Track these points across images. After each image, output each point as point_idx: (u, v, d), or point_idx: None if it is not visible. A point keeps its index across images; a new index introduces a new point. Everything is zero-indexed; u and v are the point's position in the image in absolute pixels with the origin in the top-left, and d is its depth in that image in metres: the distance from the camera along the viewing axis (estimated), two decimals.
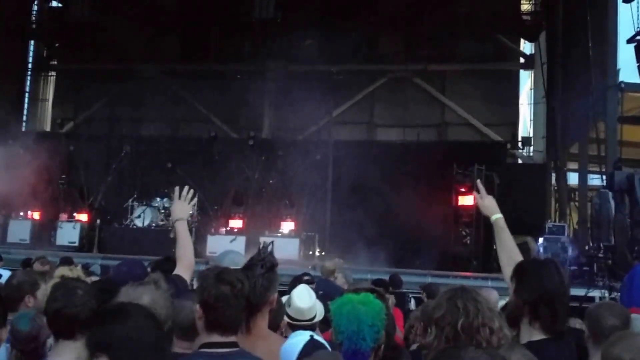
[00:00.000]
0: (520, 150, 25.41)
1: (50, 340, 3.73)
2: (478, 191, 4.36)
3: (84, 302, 3.39)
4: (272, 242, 4.03)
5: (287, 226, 19.82)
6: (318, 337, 3.92)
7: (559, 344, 3.38)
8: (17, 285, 4.80)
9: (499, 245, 4.08)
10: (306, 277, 8.42)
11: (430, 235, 18.59)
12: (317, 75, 23.75)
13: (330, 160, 21.41)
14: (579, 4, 18.46)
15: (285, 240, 18.51)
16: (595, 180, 20.07)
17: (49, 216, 20.86)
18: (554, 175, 23.25)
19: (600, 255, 14.38)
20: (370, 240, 17.62)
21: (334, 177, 21.20)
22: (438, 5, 24.17)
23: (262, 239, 18.01)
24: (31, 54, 29.38)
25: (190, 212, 4.88)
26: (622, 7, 15.30)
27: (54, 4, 29.46)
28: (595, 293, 12.70)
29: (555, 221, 20.25)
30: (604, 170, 16.65)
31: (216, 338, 3.21)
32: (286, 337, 4.14)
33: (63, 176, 21.39)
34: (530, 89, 26.20)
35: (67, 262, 10.19)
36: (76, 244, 19.51)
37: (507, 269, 3.71)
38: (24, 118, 28.74)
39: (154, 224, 20.26)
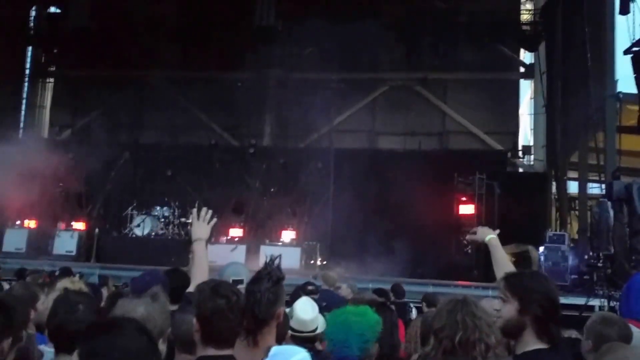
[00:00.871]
0: (520, 159, 25.69)
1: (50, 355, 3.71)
2: (474, 233, 4.49)
3: (85, 317, 3.41)
4: (279, 256, 3.96)
5: (289, 235, 19.94)
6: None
7: (555, 353, 3.43)
8: (16, 299, 4.69)
9: (495, 263, 4.18)
10: (310, 287, 8.65)
11: (431, 244, 18.77)
12: (318, 83, 24.02)
13: (331, 169, 21.51)
14: (577, 15, 18.76)
15: (287, 249, 18.57)
16: (595, 189, 20.28)
17: (46, 225, 20.71)
18: (554, 184, 23.54)
19: (600, 264, 14.54)
20: (372, 249, 17.79)
21: (335, 186, 21.29)
22: (439, 14, 24.56)
23: (263, 248, 18.26)
24: (29, 60, 29.45)
25: (209, 233, 5.06)
26: (619, 19, 15.59)
27: (53, 9, 29.55)
28: (595, 302, 12.95)
29: (555, 230, 20.44)
30: (603, 179, 16.89)
31: (212, 351, 3.24)
32: None
33: (61, 184, 21.20)
34: (531, 98, 26.48)
35: (66, 272, 10.36)
36: (73, 253, 19.45)
37: None
38: (21, 124, 28.77)
39: (153, 233, 20.33)
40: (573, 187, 22.92)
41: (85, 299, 3.70)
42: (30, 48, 29.48)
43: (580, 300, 13.16)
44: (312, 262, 19.61)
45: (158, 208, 20.87)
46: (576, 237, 19.85)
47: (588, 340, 4.33)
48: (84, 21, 24.91)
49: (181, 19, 26.40)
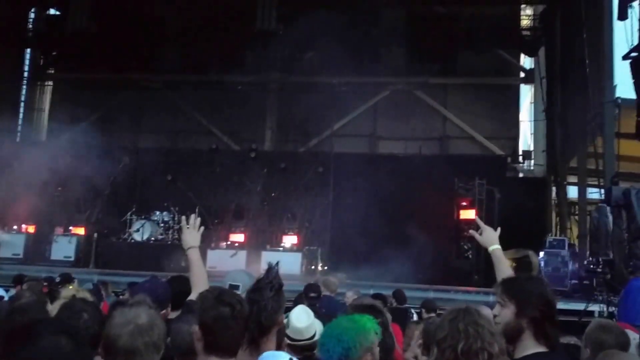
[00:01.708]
0: (520, 164, 25.82)
1: None
2: (478, 227, 4.52)
3: (87, 327, 3.46)
4: (277, 263, 3.96)
5: (290, 240, 19.97)
6: None
7: (555, 357, 3.48)
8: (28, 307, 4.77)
9: (498, 274, 4.15)
10: (312, 294, 8.79)
11: (432, 249, 18.76)
12: (319, 87, 24.16)
13: (332, 173, 21.58)
14: (576, 20, 18.93)
15: (288, 254, 18.69)
16: (594, 194, 20.40)
17: (44, 230, 20.63)
18: (554, 189, 23.70)
19: (599, 269, 14.67)
20: (372, 254, 17.88)
21: (336, 191, 21.36)
22: (439, 19, 24.76)
23: (263, 254, 18.31)
24: (27, 62, 29.37)
25: (200, 239, 5.16)
26: (618, 24, 15.72)
27: (52, 12, 29.42)
28: (594, 307, 13.16)
29: (555, 235, 20.63)
30: (602, 184, 17.05)
31: None
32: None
33: (59, 188, 21.14)
34: (531, 103, 26.64)
35: (67, 279, 10.43)
36: (72, 259, 19.36)
37: None
38: (19, 128, 28.64)
39: (153, 238, 20.35)
40: (573, 192, 23.02)
41: (90, 308, 3.76)
42: (28, 50, 29.38)
43: (579, 306, 13.35)
44: (312, 267, 19.61)
45: (158, 213, 20.87)
46: (576, 242, 20.01)
47: (586, 348, 4.43)
48: (83, 24, 24.90)
49: (181, 22, 26.48)
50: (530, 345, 3.40)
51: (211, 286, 3.84)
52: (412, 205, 19.82)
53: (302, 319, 4.61)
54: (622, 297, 11.64)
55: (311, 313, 4.74)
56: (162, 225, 20.72)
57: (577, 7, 18.35)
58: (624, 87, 16.21)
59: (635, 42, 14.33)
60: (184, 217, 5.17)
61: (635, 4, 14.37)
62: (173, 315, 4.79)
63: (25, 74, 29.28)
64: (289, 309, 4.94)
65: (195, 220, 5.07)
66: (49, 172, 20.07)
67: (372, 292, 11.53)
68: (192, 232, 5.00)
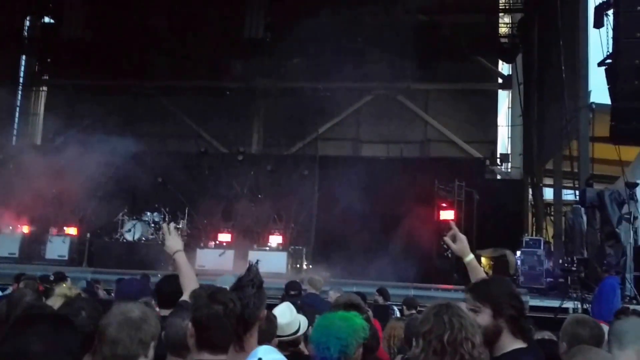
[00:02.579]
0: (498, 167, 25.90)
1: None
2: (451, 232, 4.33)
3: (84, 325, 3.41)
4: (257, 261, 4.00)
5: (275, 240, 19.91)
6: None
7: (532, 353, 3.48)
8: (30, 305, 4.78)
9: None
10: (292, 292, 8.74)
11: (413, 248, 18.76)
12: (304, 92, 24.15)
13: (317, 176, 21.61)
14: (553, 28, 18.96)
15: (274, 254, 18.62)
16: (569, 195, 20.45)
17: (39, 230, 20.59)
18: (530, 190, 23.76)
19: (574, 268, 14.70)
20: (355, 254, 17.87)
21: (320, 192, 21.39)
22: (421, 27, 24.77)
23: (250, 253, 18.25)
24: (23, 68, 29.34)
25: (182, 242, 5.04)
26: (593, 32, 15.75)
27: (47, 20, 29.42)
28: (569, 304, 13.16)
29: (532, 235, 20.58)
30: (577, 186, 17.07)
31: (206, 356, 3.24)
32: None
33: (53, 190, 20.68)
34: (508, 108, 26.74)
35: (61, 277, 10.44)
36: (66, 258, 19.28)
37: None
38: (15, 132, 28.67)
39: (144, 238, 20.22)
40: (548, 194, 23.13)
41: (89, 306, 3.72)
42: (24, 57, 29.37)
43: (555, 303, 13.36)
44: (298, 266, 19.55)
45: (148, 214, 20.75)
46: (551, 241, 20.03)
47: (563, 342, 4.41)
48: (77, 32, 24.90)
49: (172, 30, 26.39)
50: (508, 343, 3.41)
51: (203, 284, 3.90)
52: (393, 206, 19.79)
53: (285, 315, 4.59)
54: (596, 295, 11.66)
55: (294, 309, 4.73)
56: (152, 225, 20.58)
57: (553, 16, 18.36)
58: (598, 92, 16.26)
59: (611, 49, 14.32)
60: (164, 225, 5.11)
61: (610, 12, 14.36)
62: (163, 313, 4.71)
63: (21, 80, 29.25)
64: (274, 306, 4.93)
65: (170, 226, 5.04)
66: (44, 175, 19.85)
67: (354, 289, 11.50)
68: (174, 237, 4.95)
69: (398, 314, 9.90)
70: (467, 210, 19.51)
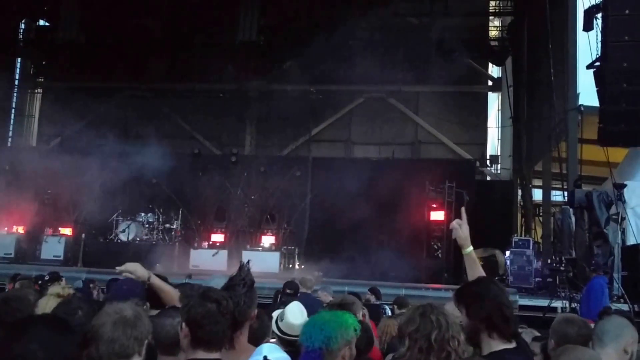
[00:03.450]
0: (488, 168, 25.99)
1: None
2: (460, 218, 4.32)
3: (81, 324, 3.39)
4: (249, 261, 3.99)
5: (268, 240, 19.94)
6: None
7: (518, 353, 3.48)
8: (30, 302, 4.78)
9: (471, 275, 4.14)
10: (288, 291, 8.72)
11: (404, 248, 18.74)
12: (297, 95, 24.14)
13: (309, 177, 21.59)
14: (542, 31, 19.01)
15: (267, 254, 18.60)
16: (558, 196, 20.46)
17: (34, 230, 20.51)
18: (520, 191, 23.80)
19: (562, 267, 14.73)
20: (347, 254, 17.87)
21: (313, 193, 21.38)
22: (412, 30, 24.83)
23: (244, 253, 18.23)
24: (18, 71, 29.33)
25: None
26: (582, 35, 15.78)
27: (42, 22, 29.45)
28: (557, 304, 13.16)
29: (521, 235, 20.57)
30: (565, 187, 17.09)
31: (201, 354, 3.23)
32: None
33: (48, 191, 20.97)
34: (498, 110, 26.81)
35: (55, 277, 10.39)
36: (61, 258, 19.22)
37: None
38: (10, 133, 28.60)
39: (138, 239, 20.22)
40: (537, 195, 23.19)
41: (86, 306, 3.72)
42: (19, 59, 29.35)
43: (543, 302, 13.37)
44: (290, 266, 19.57)
45: (143, 214, 20.73)
46: (540, 242, 20.07)
47: (551, 340, 4.42)
48: (72, 34, 24.92)
49: (166, 33, 26.48)
50: (492, 343, 3.44)
51: (193, 284, 3.81)
52: (385, 207, 19.76)
53: (298, 316, 4.53)
54: (584, 294, 11.69)
55: (304, 311, 4.65)
56: (147, 226, 20.58)
57: (543, 19, 18.38)
58: (587, 95, 16.29)
59: (599, 52, 14.35)
60: (123, 268, 4.93)
61: (599, 15, 14.39)
62: (151, 313, 4.68)
63: (16, 82, 29.21)
64: (267, 305, 4.93)
65: (128, 266, 4.78)
66: (39, 176, 20.08)
67: (347, 289, 11.51)
68: (137, 269, 4.75)
69: (389, 313, 9.90)
70: (457, 211, 19.46)
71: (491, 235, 19.03)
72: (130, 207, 21.21)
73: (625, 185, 13.62)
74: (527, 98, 22.92)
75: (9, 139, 28.42)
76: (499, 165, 26.00)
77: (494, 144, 26.87)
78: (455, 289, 3.76)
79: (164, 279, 5.41)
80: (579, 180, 15.43)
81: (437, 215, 19.50)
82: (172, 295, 4.59)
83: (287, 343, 4.42)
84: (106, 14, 25.70)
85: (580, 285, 12.80)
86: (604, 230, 13.79)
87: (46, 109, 28.98)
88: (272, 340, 4.44)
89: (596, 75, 14.50)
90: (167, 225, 20.55)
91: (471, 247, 4.24)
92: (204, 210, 21.07)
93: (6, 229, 20.32)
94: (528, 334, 5.69)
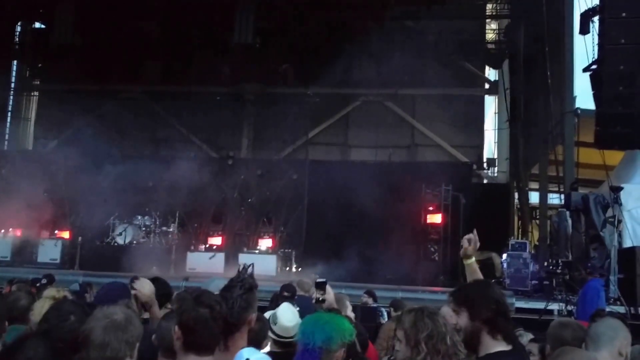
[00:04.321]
0: (485, 171, 26.02)
1: None
2: (470, 239, 4.30)
3: (73, 329, 3.39)
4: (252, 264, 3.98)
5: (265, 243, 19.90)
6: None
7: (514, 355, 3.48)
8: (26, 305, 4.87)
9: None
10: (285, 294, 8.72)
11: (400, 251, 18.74)
12: (294, 97, 24.14)
13: (306, 180, 21.55)
14: (539, 34, 19.10)
15: (263, 257, 18.55)
16: (554, 199, 20.51)
17: (31, 233, 20.30)
18: (516, 194, 23.84)
19: (559, 270, 14.73)
20: (344, 256, 17.85)
21: (310, 196, 21.34)
22: (408, 33, 24.87)
23: (240, 256, 18.25)
24: (14, 74, 29.35)
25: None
26: (578, 38, 15.85)
27: (38, 25, 29.48)
28: (553, 306, 13.11)
29: (518, 238, 20.69)
30: (562, 190, 17.14)
31: (192, 358, 3.23)
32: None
33: (45, 194, 20.59)
34: (495, 113, 26.88)
35: (51, 280, 10.45)
36: (58, 261, 19.15)
37: None
38: (6, 137, 28.59)
39: (135, 242, 20.14)
40: (534, 198, 23.23)
41: (78, 310, 3.69)
42: (15, 62, 29.38)
43: (540, 305, 13.32)
44: (287, 269, 19.53)
45: (139, 217, 20.67)
46: (537, 244, 20.09)
47: (547, 344, 4.46)
48: (67, 37, 24.84)
49: (163, 36, 26.49)
50: (490, 344, 3.43)
51: (189, 287, 3.79)
52: (382, 210, 19.76)
53: (289, 318, 4.56)
54: (580, 297, 11.69)
55: (296, 312, 4.69)
56: (143, 229, 20.52)
57: (539, 22, 18.49)
58: (583, 98, 16.34)
59: (596, 55, 14.41)
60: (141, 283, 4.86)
61: (596, 19, 14.45)
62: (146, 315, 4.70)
63: (12, 85, 29.25)
64: (264, 309, 4.98)
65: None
66: (35, 179, 19.91)
67: (343, 292, 11.49)
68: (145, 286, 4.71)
69: (386, 315, 9.91)
70: (454, 213, 19.55)
71: (488, 238, 18.86)
72: (127, 210, 21.06)
73: (621, 188, 13.63)
74: (524, 101, 22.97)
75: (5, 142, 28.43)
76: (495, 168, 26.09)
77: (490, 147, 26.94)
78: (452, 292, 3.76)
79: (163, 282, 5.46)
80: (575, 183, 15.47)
81: (434, 218, 19.55)
82: (157, 316, 4.54)
83: (283, 345, 4.46)
84: (102, 16, 25.67)
85: (577, 287, 12.80)
86: (601, 233, 13.80)
87: (42, 111, 29.11)
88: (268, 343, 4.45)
89: (593, 78, 14.54)
90: (164, 229, 20.52)
91: (473, 259, 4.28)
92: (200, 213, 20.95)
93: (2, 232, 20.23)
94: (524, 336, 5.72)
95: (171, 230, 20.53)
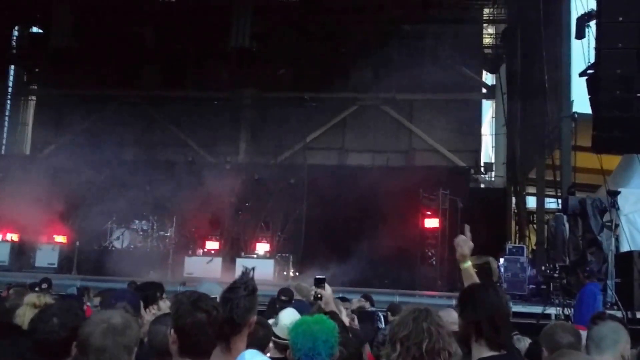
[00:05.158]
0: (482, 175, 26.06)
1: None
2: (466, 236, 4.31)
3: (53, 331, 3.43)
4: (253, 268, 4.15)
5: (263, 248, 19.93)
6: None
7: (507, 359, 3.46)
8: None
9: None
10: (283, 297, 8.71)
11: (398, 255, 18.82)
12: (291, 102, 24.20)
13: (304, 184, 21.55)
14: (535, 39, 19.13)
15: (261, 261, 18.53)
16: (552, 203, 20.49)
17: (29, 238, 20.41)
18: (514, 199, 23.85)
19: (556, 274, 14.73)
20: (342, 261, 17.85)
21: (307, 200, 21.34)
22: (406, 37, 24.91)
23: (238, 261, 18.26)
24: (11, 78, 29.27)
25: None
26: (575, 43, 15.88)
27: (35, 30, 29.44)
28: (551, 310, 13.14)
29: (515, 242, 20.68)
30: (559, 194, 17.14)
31: None
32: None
33: (42, 199, 20.37)
34: (492, 118, 26.91)
35: (48, 283, 10.48)
36: (55, 266, 19.18)
37: None
38: (4, 142, 28.63)
39: (132, 246, 20.22)
40: (531, 202, 23.20)
41: (61, 312, 3.64)
42: (12, 67, 29.31)
43: (537, 309, 13.35)
44: (285, 273, 19.59)
45: (137, 222, 20.73)
46: (534, 249, 20.10)
47: (543, 348, 4.40)
48: (65, 42, 24.85)
49: (160, 40, 26.50)
50: (483, 349, 3.40)
51: (187, 291, 3.76)
52: (379, 215, 19.80)
53: (292, 319, 4.43)
54: (577, 301, 11.69)
55: (298, 315, 4.60)
56: (141, 233, 20.58)
57: (536, 27, 18.50)
58: (580, 102, 16.34)
59: (592, 60, 14.44)
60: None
61: (592, 23, 14.50)
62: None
63: (10, 90, 29.15)
64: (262, 313, 4.97)
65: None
66: (33, 184, 19.94)
67: (341, 296, 11.50)
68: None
69: (383, 320, 9.88)
70: (451, 218, 19.54)
71: (485, 243, 18.93)
72: (124, 215, 21.10)
73: (618, 193, 13.65)
74: (521, 105, 22.98)
75: (3, 147, 28.50)
76: (493, 173, 26.11)
77: (487, 152, 26.96)
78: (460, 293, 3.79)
79: (160, 286, 5.48)
80: (572, 188, 15.46)
81: (431, 223, 19.58)
82: None
83: (283, 347, 4.41)
84: (99, 21, 25.78)
85: (574, 292, 12.80)
86: (598, 237, 13.79)
87: (40, 116, 29.03)
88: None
89: (589, 83, 14.57)
90: (161, 233, 20.54)
91: (469, 262, 4.24)
92: (198, 217, 20.89)
93: (0, 236, 20.27)
94: (522, 341, 5.71)
95: (168, 234, 20.54)
